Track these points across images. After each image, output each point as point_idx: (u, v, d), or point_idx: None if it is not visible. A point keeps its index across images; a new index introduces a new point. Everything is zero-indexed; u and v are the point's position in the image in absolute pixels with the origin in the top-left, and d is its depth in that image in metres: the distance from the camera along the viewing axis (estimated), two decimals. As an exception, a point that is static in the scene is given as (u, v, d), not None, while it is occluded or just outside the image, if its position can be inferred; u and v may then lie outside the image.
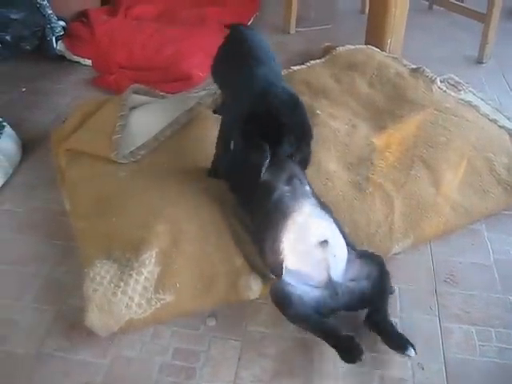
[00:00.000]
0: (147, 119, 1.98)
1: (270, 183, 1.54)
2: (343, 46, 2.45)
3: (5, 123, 2.06)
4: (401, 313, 1.51)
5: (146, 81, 2.32)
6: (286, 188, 1.54)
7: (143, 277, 1.48)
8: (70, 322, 1.48)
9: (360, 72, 2.28)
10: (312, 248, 1.44)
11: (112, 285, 1.46)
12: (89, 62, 2.62)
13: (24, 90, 2.47)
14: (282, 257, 1.44)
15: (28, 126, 2.22)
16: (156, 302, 1.46)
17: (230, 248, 1.56)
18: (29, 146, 2.10)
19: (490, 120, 2.07)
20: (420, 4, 3.17)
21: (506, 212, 1.86)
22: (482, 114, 2.09)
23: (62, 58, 2.67)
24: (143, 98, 2.08)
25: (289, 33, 2.96)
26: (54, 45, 2.61)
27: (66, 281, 1.59)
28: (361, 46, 2.45)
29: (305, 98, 2.14)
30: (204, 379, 1.36)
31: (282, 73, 2.33)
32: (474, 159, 1.90)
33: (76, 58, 2.64)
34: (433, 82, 2.21)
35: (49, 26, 2.53)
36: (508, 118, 2.19)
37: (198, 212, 1.62)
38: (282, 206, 1.50)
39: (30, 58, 2.65)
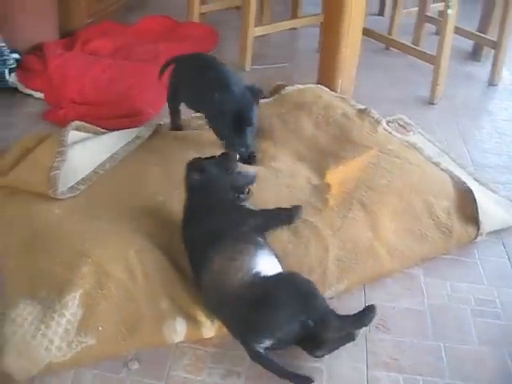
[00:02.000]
0: (86, 154, 1.98)
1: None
2: (293, 85, 2.47)
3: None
4: (328, 359, 1.48)
5: (95, 116, 2.32)
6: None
7: (65, 319, 1.45)
8: (-10, 364, 1.44)
9: (307, 112, 2.29)
10: None
11: (32, 327, 1.43)
12: (41, 95, 2.60)
13: (-27, 122, 2.45)
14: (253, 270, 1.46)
15: (-27, 159, 2.19)
16: (77, 345, 1.43)
17: (157, 290, 1.54)
18: (-28, 179, 2.07)
19: (433, 163, 2.08)
20: (377, 45, 3.22)
21: (445, 256, 1.86)
22: (425, 157, 2.11)
23: (15, 90, 2.65)
24: (84, 135, 2.07)
25: (244, 70, 2.98)
26: (7, 77, 2.60)
27: (-8, 321, 1.55)
28: (310, 86, 2.46)
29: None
30: (121, 426, 1.34)
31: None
32: (414, 202, 1.90)
33: (28, 91, 2.63)
34: (378, 123, 2.23)
35: (1, 58, 2.53)
36: (454, 160, 2.22)
37: (126, 253, 1.60)
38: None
39: (-19, 90, 2.64)
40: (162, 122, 2.26)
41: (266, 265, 1.49)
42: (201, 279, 1.53)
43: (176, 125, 2.26)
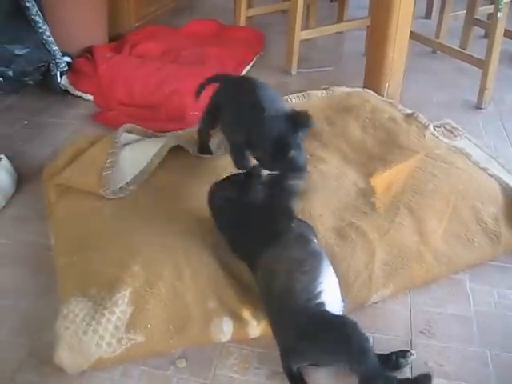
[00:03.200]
0: (137, 154, 2.02)
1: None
2: (339, 88, 2.48)
3: (1, 155, 2.10)
4: (373, 364, 1.50)
5: (143, 118, 2.37)
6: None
7: (116, 316, 1.48)
8: (43, 357, 1.47)
9: (354, 115, 2.29)
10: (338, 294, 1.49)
11: (84, 323, 1.46)
12: (91, 97, 2.67)
13: (26, 123, 2.53)
14: (318, 298, 1.43)
15: (25, 159, 2.27)
16: (126, 342, 1.46)
17: (204, 290, 1.56)
18: (24, 178, 2.14)
19: (481, 168, 2.06)
20: (424, 49, 3.18)
21: (492, 263, 1.83)
22: (472, 162, 2.08)
23: (66, 92, 2.73)
24: (134, 137, 2.12)
25: (290, 74, 3.00)
26: (59, 79, 2.68)
27: (45, 315, 1.59)
28: (357, 89, 2.47)
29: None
30: (167, 423, 1.37)
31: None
32: (461, 208, 1.88)
33: (79, 93, 2.70)
34: (426, 127, 2.22)
35: (53, 61, 2.60)
36: (502, 166, 2.18)
37: (174, 252, 1.62)
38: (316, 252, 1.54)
39: (35, 91, 2.72)
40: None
41: (330, 283, 1.48)
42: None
43: (206, 147, 2.08)
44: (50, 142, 2.39)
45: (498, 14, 2.48)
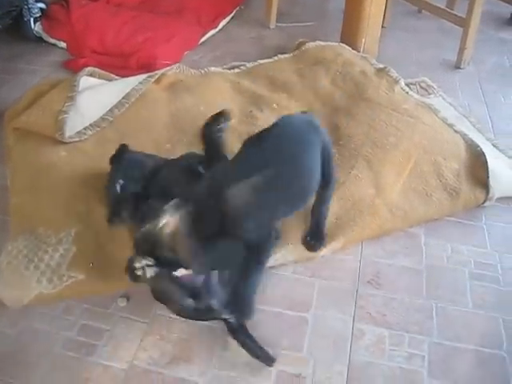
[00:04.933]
0: (96, 99, 2.00)
1: None
2: (314, 42, 2.44)
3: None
4: (315, 310, 1.49)
5: (114, 66, 2.34)
6: None
7: (58, 254, 1.50)
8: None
9: (325, 68, 2.26)
10: None
11: (26, 259, 1.48)
12: (64, 44, 2.63)
13: (-3, 68, 2.51)
14: None
15: (-6, 103, 2.26)
16: (67, 279, 1.47)
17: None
18: (-11, 122, 2.13)
19: (447, 124, 2.03)
20: (410, 8, 3.11)
21: (449, 218, 1.81)
22: (439, 118, 2.05)
23: (40, 39, 2.69)
24: (96, 81, 2.09)
25: (269, 27, 2.93)
26: (32, 26, 2.64)
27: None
28: (331, 43, 2.42)
29: (265, 91, 2.16)
30: (103, 357, 1.38)
31: (250, 65, 2.35)
32: (422, 162, 1.86)
33: (52, 41, 2.66)
34: (396, 82, 2.19)
35: (26, 6, 2.57)
36: (473, 125, 2.15)
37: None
38: None
39: (8, 37, 2.69)
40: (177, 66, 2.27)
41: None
42: None
43: None
44: (20, 87, 2.35)
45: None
